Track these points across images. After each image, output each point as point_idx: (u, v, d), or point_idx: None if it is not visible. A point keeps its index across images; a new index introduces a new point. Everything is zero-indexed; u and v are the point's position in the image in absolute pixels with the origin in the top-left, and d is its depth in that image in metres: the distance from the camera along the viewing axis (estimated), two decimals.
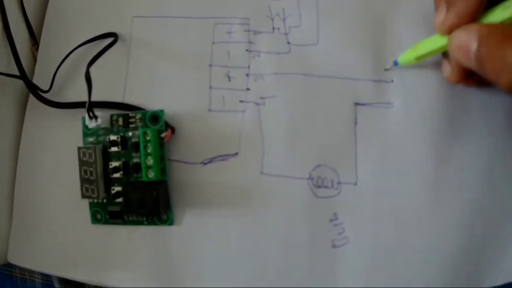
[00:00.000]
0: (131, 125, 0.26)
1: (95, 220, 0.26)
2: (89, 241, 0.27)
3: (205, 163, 0.26)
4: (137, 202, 0.24)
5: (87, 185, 0.25)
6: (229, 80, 0.27)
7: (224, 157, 0.26)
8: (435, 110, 0.25)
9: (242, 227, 0.25)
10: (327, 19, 0.26)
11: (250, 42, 0.27)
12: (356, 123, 0.25)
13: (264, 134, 0.26)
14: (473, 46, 0.20)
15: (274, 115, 0.26)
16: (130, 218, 0.26)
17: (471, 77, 0.23)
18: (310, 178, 0.25)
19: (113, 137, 0.26)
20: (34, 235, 0.27)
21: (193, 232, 0.26)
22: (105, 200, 0.26)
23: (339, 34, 0.26)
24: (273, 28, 0.27)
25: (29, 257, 0.27)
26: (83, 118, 0.26)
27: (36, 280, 0.30)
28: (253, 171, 0.25)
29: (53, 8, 0.29)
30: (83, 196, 0.25)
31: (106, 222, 0.26)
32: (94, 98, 0.25)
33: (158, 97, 0.27)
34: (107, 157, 0.26)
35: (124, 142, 0.26)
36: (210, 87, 0.27)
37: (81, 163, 0.25)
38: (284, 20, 0.27)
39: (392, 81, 0.25)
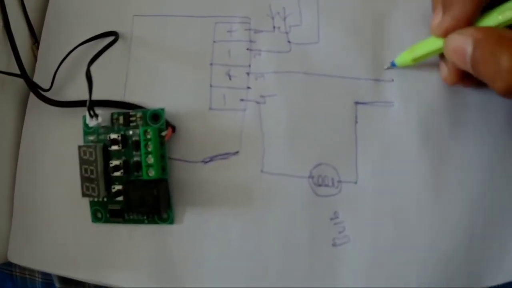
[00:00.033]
0: (131, 124, 0.26)
1: (95, 218, 0.26)
2: (89, 240, 0.26)
3: (206, 162, 0.26)
4: (137, 201, 0.24)
5: (87, 184, 0.25)
6: (230, 79, 0.27)
7: (225, 155, 0.26)
8: (435, 110, 0.25)
9: (243, 226, 0.25)
10: (328, 18, 0.26)
11: (250, 41, 0.27)
12: (356, 122, 0.25)
13: (264, 133, 0.26)
14: (469, 49, 0.20)
15: (275, 114, 0.26)
16: (131, 216, 0.26)
17: (468, 78, 0.23)
18: (311, 176, 0.25)
19: (113, 136, 0.26)
20: (35, 234, 0.27)
21: (193, 231, 0.26)
22: (105, 199, 0.26)
23: (340, 33, 0.26)
24: (274, 27, 0.27)
25: (29, 256, 0.27)
26: (84, 117, 0.26)
27: (36, 279, 0.30)
28: (253, 169, 0.25)
29: (54, 7, 0.29)
30: (84, 195, 0.25)
31: (107, 221, 0.26)
32: (95, 96, 0.25)
33: (159, 95, 0.27)
34: (107, 155, 0.26)
35: (124, 140, 0.26)
36: (211, 86, 0.27)
37: (82, 161, 0.25)
38: (284, 19, 0.27)
39: (393, 80, 0.25)
